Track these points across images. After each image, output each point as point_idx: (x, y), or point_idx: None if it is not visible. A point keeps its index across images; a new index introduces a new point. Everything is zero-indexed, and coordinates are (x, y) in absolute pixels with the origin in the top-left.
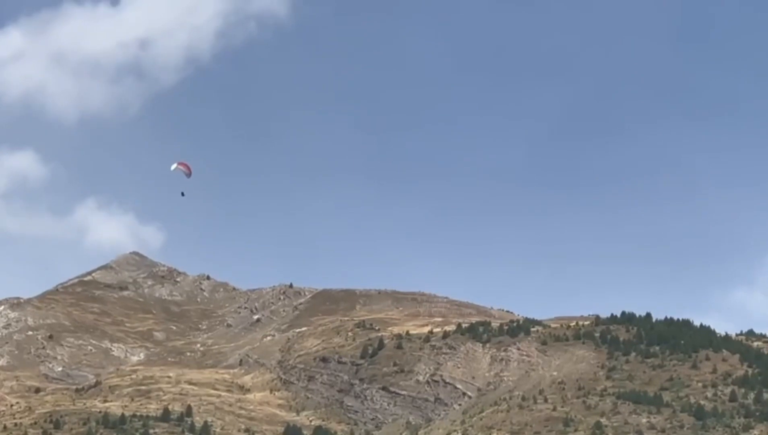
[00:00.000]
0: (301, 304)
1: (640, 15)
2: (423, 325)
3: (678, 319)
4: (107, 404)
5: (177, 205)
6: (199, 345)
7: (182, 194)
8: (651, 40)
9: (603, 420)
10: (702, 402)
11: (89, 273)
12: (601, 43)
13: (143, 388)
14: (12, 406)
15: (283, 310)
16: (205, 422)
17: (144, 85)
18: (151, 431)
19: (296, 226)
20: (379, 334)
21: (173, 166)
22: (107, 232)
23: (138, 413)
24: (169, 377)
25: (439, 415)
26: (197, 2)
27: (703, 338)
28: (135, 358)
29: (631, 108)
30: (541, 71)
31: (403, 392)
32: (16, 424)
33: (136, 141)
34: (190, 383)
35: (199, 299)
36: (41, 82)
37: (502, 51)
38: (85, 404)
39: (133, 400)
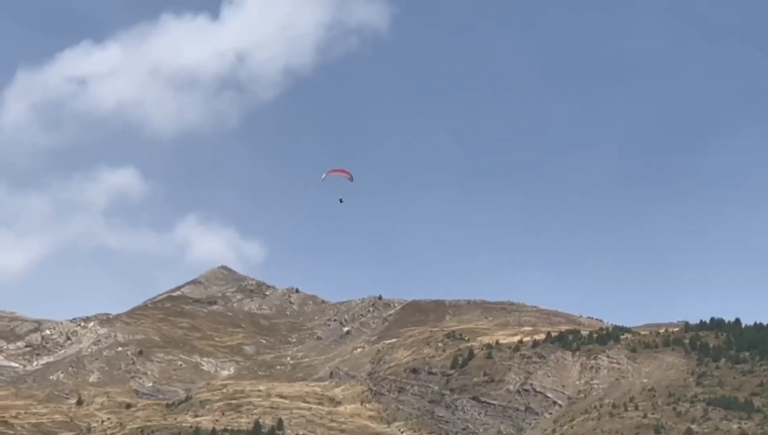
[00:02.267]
0: (390, 315)
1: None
2: (512, 335)
3: (767, 324)
4: (198, 419)
5: (278, 220)
6: (289, 358)
7: (340, 201)
8: (740, 42)
9: (694, 426)
10: None
11: (178, 288)
12: (692, 48)
13: (234, 402)
14: (103, 422)
15: (373, 322)
16: None
17: (243, 99)
18: None
19: (385, 238)
20: (469, 344)
21: (323, 176)
22: (209, 248)
23: (229, 427)
24: (259, 391)
25: (530, 424)
26: (297, 15)
27: None
28: (225, 373)
29: (722, 112)
30: (633, 76)
31: (494, 402)
32: None
33: (236, 155)
34: (281, 396)
35: (288, 312)
36: (139, 97)
37: (592, 57)
38: (176, 419)
39: (224, 414)
